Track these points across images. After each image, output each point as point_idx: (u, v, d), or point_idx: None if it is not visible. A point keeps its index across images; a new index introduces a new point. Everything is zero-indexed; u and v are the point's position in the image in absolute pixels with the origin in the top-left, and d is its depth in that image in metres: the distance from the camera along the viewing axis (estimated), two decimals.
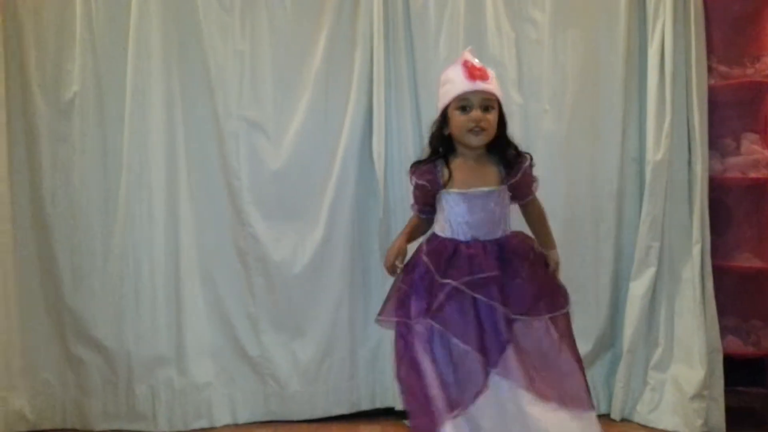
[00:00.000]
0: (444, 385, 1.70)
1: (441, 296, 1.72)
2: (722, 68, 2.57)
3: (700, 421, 2.41)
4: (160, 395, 2.49)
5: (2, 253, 2.42)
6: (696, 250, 2.47)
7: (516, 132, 2.56)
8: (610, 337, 2.65)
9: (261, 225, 2.53)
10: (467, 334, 1.72)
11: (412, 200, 1.94)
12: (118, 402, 2.50)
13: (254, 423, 2.55)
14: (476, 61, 1.81)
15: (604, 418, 2.58)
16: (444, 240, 1.81)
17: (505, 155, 1.84)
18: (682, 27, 2.48)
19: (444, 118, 1.82)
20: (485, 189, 1.79)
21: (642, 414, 2.52)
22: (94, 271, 2.49)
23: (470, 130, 1.76)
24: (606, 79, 2.59)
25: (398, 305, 1.80)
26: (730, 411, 2.46)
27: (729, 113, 2.57)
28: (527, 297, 1.76)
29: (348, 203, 2.56)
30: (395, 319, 1.80)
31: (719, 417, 2.45)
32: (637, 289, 2.53)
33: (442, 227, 1.83)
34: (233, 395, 2.56)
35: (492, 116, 1.80)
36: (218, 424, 2.53)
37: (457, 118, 1.77)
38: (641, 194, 2.56)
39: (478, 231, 1.78)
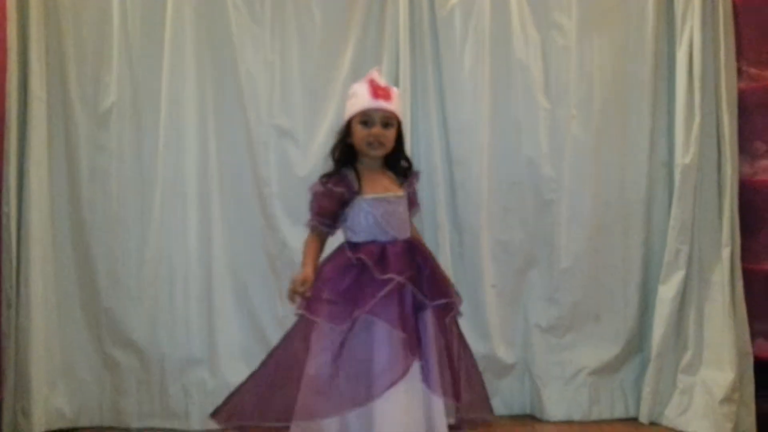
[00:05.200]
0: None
1: (382, 291, 1.81)
2: (752, 71, 2.54)
3: (730, 425, 2.40)
4: (192, 395, 2.56)
5: (42, 259, 2.49)
6: (726, 253, 2.46)
7: (543, 137, 2.60)
8: (638, 341, 2.65)
9: (290, 231, 2.56)
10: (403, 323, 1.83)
11: (310, 217, 1.94)
12: (152, 401, 2.57)
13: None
14: (382, 81, 1.97)
15: (633, 421, 2.58)
16: (367, 243, 1.89)
17: (398, 167, 2.02)
18: (711, 30, 2.47)
19: (348, 128, 1.96)
20: (398, 194, 1.95)
21: (671, 418, 2.52)
22: (129, 275, 2.56)
23: (369, 143, 1.93)
24: (634, 83, 2.59)
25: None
26: (761, 416, 2.44)
27: (759, 116, 2.54)
28: (442, 288, 1.94)
29: None
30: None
31: (750, 421, 2.43)
32: (666, 292, 2.52)
33: (355, 233, 1.92)
34: None
35: (390, 132, 1.95)
36: None
37: (360, 131, 1.93)
38: (670, 198, 2.55)
39: (396, 232, 1.92)
